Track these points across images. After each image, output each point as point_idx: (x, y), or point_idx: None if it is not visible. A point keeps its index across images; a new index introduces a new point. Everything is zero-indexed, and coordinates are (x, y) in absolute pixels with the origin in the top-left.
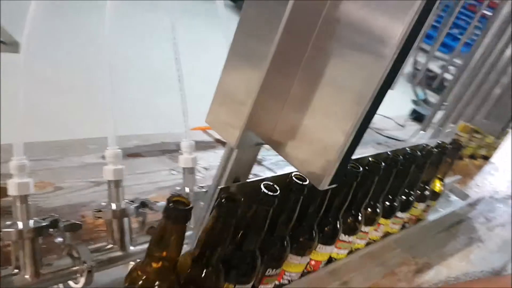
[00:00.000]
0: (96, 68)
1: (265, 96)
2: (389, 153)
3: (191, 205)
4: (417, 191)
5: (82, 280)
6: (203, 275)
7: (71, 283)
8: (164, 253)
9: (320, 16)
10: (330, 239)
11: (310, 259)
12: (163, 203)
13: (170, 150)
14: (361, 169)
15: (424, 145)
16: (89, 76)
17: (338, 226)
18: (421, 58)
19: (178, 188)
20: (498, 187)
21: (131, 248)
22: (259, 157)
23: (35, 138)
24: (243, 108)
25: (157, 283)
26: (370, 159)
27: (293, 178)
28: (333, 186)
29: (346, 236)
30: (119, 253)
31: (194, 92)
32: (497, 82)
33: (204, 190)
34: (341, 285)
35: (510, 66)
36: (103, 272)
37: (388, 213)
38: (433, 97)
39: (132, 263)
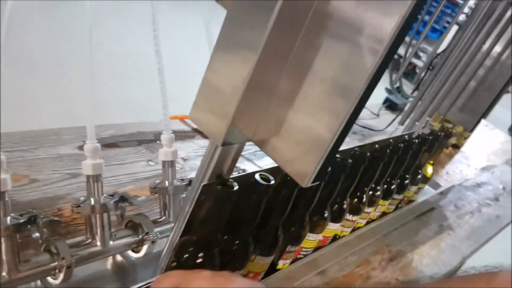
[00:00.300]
0: (70, 55)
1: (251, 92)
2: (391, 140)
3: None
4: (411, 175)
5: (61, 276)
6: (235, 247)
7: (49, 279)
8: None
9: (311, 9)
10: (338, 218)
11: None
12: (143, 197)
13: (147, 140)
14: (368, 154)
15: (419, 133)
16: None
17: (345, 206)
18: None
19: (157, 181)
20: (468, 175)
21: (111, 242)
22: None
23: (8, 128)
24: (229, 104)
25: (201, 254)
26: (376, 146)
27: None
28: (316, 183)
29: (351, 215)
30: (98, 248)
31: (171, 79)
32: (474, 75)
33: (184, 183)
34: (317, 274)
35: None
36: (83, 267)
37: (387, 195)
38: (406, 85)
39: (111, 258)
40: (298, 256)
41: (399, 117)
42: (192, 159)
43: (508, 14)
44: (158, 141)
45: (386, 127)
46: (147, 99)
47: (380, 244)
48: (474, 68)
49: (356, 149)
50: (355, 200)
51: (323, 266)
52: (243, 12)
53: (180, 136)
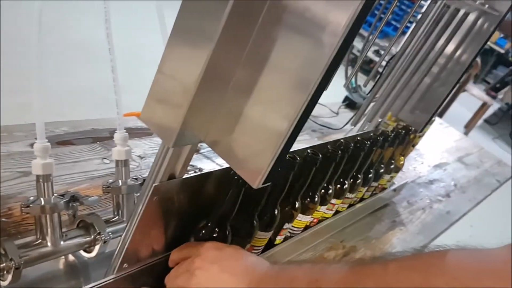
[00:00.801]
0: (21, 48)
1: (203, 94)
2: (372, 134)
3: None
4: (385, 165)
5: (9, 278)
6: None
7: None
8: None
9: (266, 2)
10: (325, 201)
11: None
12: (95, 197)
13: (102, 138)
14: (352, 145)
15: (371, 134)
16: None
17: (330, 191)
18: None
19: (110, 180)
20: (421, 172)
21: (62, 243)
22: None
23: None
24: (181, 106)
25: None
26: (358, 138)
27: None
28: (267, 184)
29: (335, 199)
30: (49, 249)
31: (129, 69)
32: (426, 74)
33: (138, 182)
34: None
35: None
36: (34, 268)
37: (366, 183)
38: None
39: (63, 258)
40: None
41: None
42: (149, 157)
43: (460, 13)
44: (113, 139)
45: (344, 126)
46: (104, 91)
47: (335, 240)
48: (427, 67)
49: (309, 151)
50: (339, 186)
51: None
52: (196, 7)
53: (137, 133)
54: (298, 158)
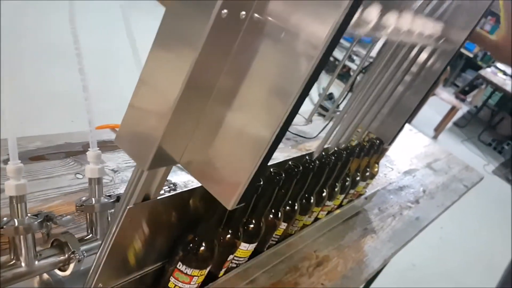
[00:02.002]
0: None
1: (178, 118)
2: (307, 157)
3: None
4: (360, 173)
5: None
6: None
7: None
8: None
9: (248, 14)
10: (320, 203)
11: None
12: (68, 217)
13: (75, 152)
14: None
15: (337, 149)
16: None
17: (312, 201)
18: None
19: (83, 198)
20: (391, 178)
21: (36, 262)
22: None
23: None
24: (157, 130)
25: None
26: (336, 149)
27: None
28: (241, 205)
29: (328, 201)
30: (23, 269)
31: (103, 75)
32: (398, 84)
33: (111, 200)
34: (247, 284)
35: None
36: None
37: (345, 190)
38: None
39: (37, 278)
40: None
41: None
42: (122, 170)
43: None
44: (86, 152)
45: (318, 134)
46: (77, 95)
47: (309, 250)
48: (401, 75)
49: (290, 163)
50: (328, 190)
51: (254, 275)
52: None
53: (110, 146)
54: (282, 174)
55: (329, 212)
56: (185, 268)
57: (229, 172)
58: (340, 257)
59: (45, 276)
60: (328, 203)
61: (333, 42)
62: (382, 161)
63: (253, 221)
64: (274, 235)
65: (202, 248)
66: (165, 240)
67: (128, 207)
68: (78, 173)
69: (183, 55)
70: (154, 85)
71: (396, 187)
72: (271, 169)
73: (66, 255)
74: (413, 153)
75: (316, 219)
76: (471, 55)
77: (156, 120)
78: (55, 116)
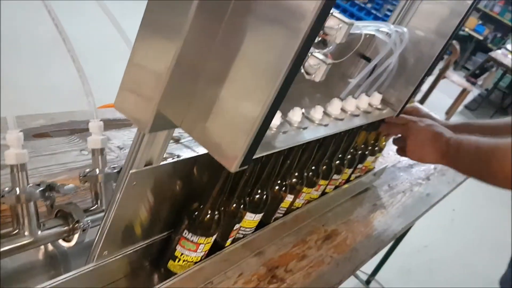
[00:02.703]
0: None
1: (178, 76)
2: None
3: None
4: (368, 147)
5: None
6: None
7: None
8: None
9: None
10: (327, 176)
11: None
12: (71, 185)
13: (80, 130)
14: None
15: None
16: None
17: (318, 173)
18: None
19: (87, 170)
20: (401, 157)
21: (39, 232)
22: (176, 134)
23: None
24: (155, 90)
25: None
26: None
27: None
28: (244, 167)
29: (336, 175)
30: (26, 239)
31: (101, 64)
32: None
33: (115, 171)
34: (255, 255)
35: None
36: (12, 259)
37: (352, 164)
38: None
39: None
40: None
41: None
42: (128, 147)
43: None
44: (88, 124)
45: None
46: (77, 86)
47: (317, 224)
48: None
49: None
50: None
51: (262, 247)
52: None
53: (116, 124)
54: None
55: (336, 187)
56: (191, 236)
57: (230, 134)
58: (349, 231)
59: (50, 248)
60: (335, 177)
61: (322, 16)
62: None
63: (258, 191)
64: (280, 208)
65: (208, 215)
66: (170, 209)
67: (130, 172)
68: (83, 150)
69: (176, 22)
70: (150, 48)
71: (406, 165)
72: None
73: (71, 225)
74: None
75: (324, 193)
76: (481, 38)
77: (154, 83)
78: (57, 107)
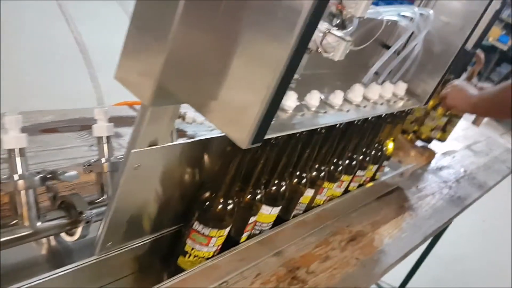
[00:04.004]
0: None
1: (180, 48)
2: None
3: None
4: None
5: None
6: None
7: None
8: None
9: None
10: (350, 171)
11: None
12: (73, 172)
13: (90, 125)
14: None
15: None
16: None
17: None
18: None
19: (92, 160)
20: (429, 160)
21: (39, 224)
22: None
23: None
24: (156, 59)
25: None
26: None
27: None
28: (256, 145)
29: (360, 171)
30: (25, 230)
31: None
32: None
33: (121, 160)
34: (274, 255)
35: None
36: (9, 251)
37: (377, 160)
38: None
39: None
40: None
41: None
42: None
43: None
44: (94, 110)
45: None
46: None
47: (341, 225)
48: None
49: None
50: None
51: (281, 246)
52: None
53: (128, 121)
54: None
55: (360, 185)
56: (202, 228)
57: (240, 108)
58: (375, 232)
59: (53, 242)
60: (359, 173)
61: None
62: (419, 143)
63: (275, 182)
64: (300, 203)
65: (220, 205)
66: (180, 199)
67: (132, 151)
68: (93, 145)
69: None
70: (151, 11)
71: (435, 168)
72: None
73: (73, 218)
74: (451, 136)
75: (347, 191)
76: (505, 48)
77: (154, 50)
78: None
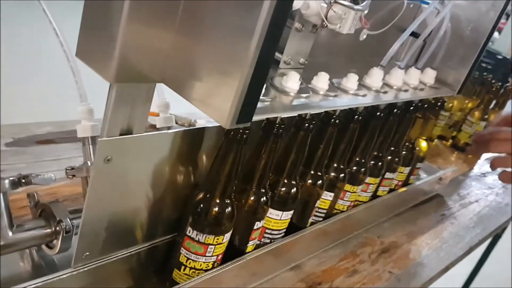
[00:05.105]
0: None
1: (143, 17)
2: None
3: None
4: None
5: None
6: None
7: None
8: None
9: None
10: (377, 172)
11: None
12: (49, 175)
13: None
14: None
15: None
16: None
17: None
18: None
19: (77, 165)
20: (471, 165)
21: (10, 234)
22: None
23: None
24: (116, 29)
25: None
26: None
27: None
28: (243, 125)
29: (389, 173)
30: None
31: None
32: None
33: None
34: (291, 269)
35: None
36: None
37: (409, 160)
38: None
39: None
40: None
41: None
42: None
43: None
44: (77, 108)
45: None
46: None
47: (370, 235)
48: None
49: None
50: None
51: (299, 259)
52: None
53: None
54: (315, 120)
55: (392, 190)
56: (197, 234)
57: (219, 82)
58: (411, 243)
59: (36, 257)
60: (388, 175)
61: None
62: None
63: (285, 181)
64: (318, 209)
65: (216, 207)
66: (171, 203)
67: (100, 140)
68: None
69: None
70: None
71: (478, 173)
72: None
73: (53, 227)
74: None
75: (376, 196)
76: None
77: (113, 18)
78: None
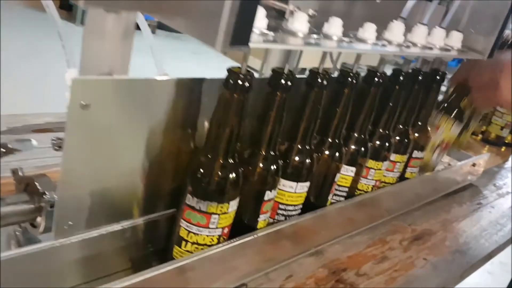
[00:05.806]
0: None
1: None
2: None
3: None
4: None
5: None
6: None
7: None
8: None
9: None
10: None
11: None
12: (32, 141)
13: None
14: None
15: None
16: None
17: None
18: None
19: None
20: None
21: None
22: None
23: None
24: None
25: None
26: None
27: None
28: (242, 47)
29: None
30: None
31: None
32: None
33: None
34: (311, 255)
35: None
36: None
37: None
38: None
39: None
40: None
41: None
42: None
43: None
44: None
45: None
46: None
47: (400, 223)
48: None
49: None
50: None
51: (320, 244)
52: None
53: None
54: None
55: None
56: (197, 202)
57: (204, 13)
58: (447, 231)
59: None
60: (416, 153)
61: None
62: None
63: (299, 147)
64: (338, 186)
65: (219, 170)
66: (169, 169)
67: (73, 78)
68: None
69: None
70: None
71: None
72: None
73: (36, 203)
74: None
75: (403, 178)
76: None
77: None
78: None
